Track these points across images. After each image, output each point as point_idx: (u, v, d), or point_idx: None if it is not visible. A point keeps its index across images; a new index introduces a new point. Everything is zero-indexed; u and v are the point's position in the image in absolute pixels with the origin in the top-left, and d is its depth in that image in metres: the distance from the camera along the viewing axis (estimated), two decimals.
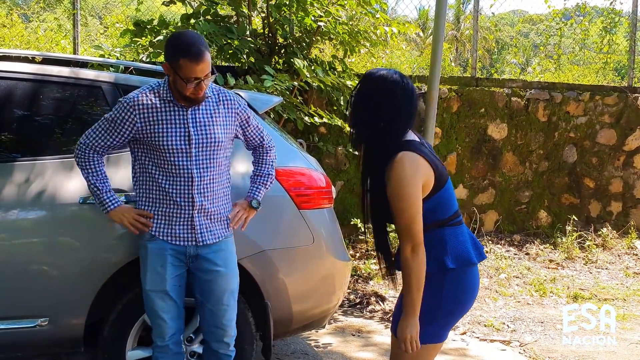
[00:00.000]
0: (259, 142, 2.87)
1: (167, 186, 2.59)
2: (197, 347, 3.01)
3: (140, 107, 2.56)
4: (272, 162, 2.89)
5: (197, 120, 2.60)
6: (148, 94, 2.59)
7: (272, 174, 2.87)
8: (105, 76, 3.13)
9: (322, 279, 3.30)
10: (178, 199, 2.59)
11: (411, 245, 2.08)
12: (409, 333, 2.11)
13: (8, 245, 2.80)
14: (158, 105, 2.58)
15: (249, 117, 2.80)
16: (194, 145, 2.58)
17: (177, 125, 2.57)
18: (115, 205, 2.64)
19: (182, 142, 2.57)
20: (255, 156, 2.90)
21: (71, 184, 2.85)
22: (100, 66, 4.43)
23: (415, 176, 2.08)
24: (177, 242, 2.62)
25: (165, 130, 2.56)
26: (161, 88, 2.61)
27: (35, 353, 2.90)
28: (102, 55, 5.42)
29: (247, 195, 2.81)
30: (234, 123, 2.72)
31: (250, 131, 2.82)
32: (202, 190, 2.60)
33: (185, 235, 2.62)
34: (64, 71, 3.09)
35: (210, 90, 2.68)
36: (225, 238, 2.71)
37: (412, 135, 2.20)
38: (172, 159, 2.56)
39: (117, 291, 2.93)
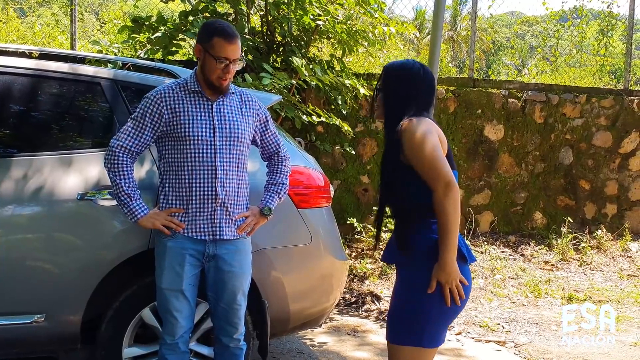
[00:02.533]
0: (275, 149, 2.90)
1: (191, 181, 2.60)
2: (193, 345, 3.01)
3: (167, 98, 2.62)
4: (287, 172, 2.92)
5: (222, 113, 2.67)
6: (174, 88, 2.66)
7: (286, 184, 2.89)
8: (104, 72, 3.11)
9: (320, 278, 3.30)
10: (201, 193, 2.61)
11: (443, 184, 2.09)
12: (455, 276, 2.10)
13: (5, 241, 2.78)
14: (184, 97, 2.64)
15: (267, 121, 2.86)
16: (218, 137, 2.62)
17: (202, 116, 2.63)
18: (146, 212, 2.63)
19: (207, 133, 2.61)
20: (271, 165, 2.92)
21: (69, 180, 2.84)
22: (98, 62, 4.41)
23: (430, 130, 2.15)
24: (197, 236, 2.62)
25: (190, 120, 2.61)
26: (188, 81, 2.68)
27: (31, 350, 2.88)
28: (99, 51, 5.40)
29: (260, 202, 2.82)
30: (254, 124, 2.79)
31: (268, 136, 2.86)
32: (224, 184, 2.63)
33: (206, 228, 2.63)
34: (63, 67, 3.07)
35: (234, 89, 2.76)
36: (241, 238, 2.73)
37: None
38: (196, 150, 2.59)
39: (115, 288, 2.92)
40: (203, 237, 2.64)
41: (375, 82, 2.41)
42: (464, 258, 2.20)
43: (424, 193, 2.15)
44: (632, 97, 7.60)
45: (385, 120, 2.32)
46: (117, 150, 2.62)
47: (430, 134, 2.14)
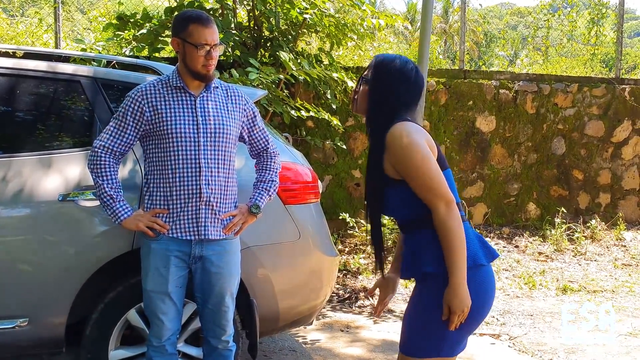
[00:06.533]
0: (263, 146, 2.83)
1: (175, 179, 2.54)
2: (181, 346, 2.96)
3: (148, 96, 2.56)
4: (277, 169, 2.84)
5: (206, 109, 2.60)
6: (156, 85, 2.60)
7: (275, 181, 2.81)
8: (84, 70, 3.04)
9: (309, 275, 3.25)
10: (186, 191, 2.55)
11: (443, 203, 1.95)
12: (465, 303, 1.93)
13: None
14: (166, 94, 2.58)
15: (255, 117, 2.79)
16: (202, 134, 2.56)
17: (185, 113, 2.56)
18: (130, 213, 2.56)
19: (191, 130, 2.55)
20: (259, 162, 2.85)
21: (50, 182, 2.78)
22: (83, 60, 4.35)
23: (419, 138, 2.00)
24: (182, 236, 2.56)
25: (173, 117, 2.54)
26: (170, 77, 2.62)
27: (15, 354, 2.83)
28: (83, 50, 5.33)
29: (249, 200, 2.75)
30: (241, 119, 2.72)
31: (255, 132, 2.79)
32: (209, 182, 2.56)
33: (190, 228, 2.57)
34: (42, 65, 3.00)
35: (219, 83, 2.70)
36: (229, 238, 2.67)
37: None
38: (180, 147, 2.53)
39: (99, 290, 2.87)
40: (188, 237, 2.58)
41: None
42: (480, 262, 2.04)
43: (412, 208, 2.04)
44: (623, 86, 7.57)
45: (369, 118, 2.14)
46: (99, 151, 2.56)
47: (421, 145, 1.98)
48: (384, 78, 2.11)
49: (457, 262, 1.93)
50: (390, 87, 2.10)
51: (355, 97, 2.20)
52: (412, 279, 2.14)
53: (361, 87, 2.17)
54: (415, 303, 2.09)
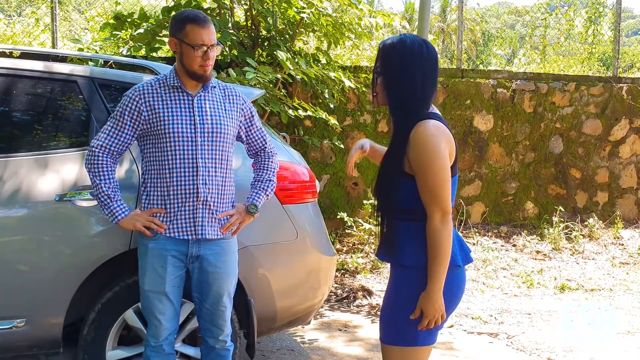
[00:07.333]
0: (261, 145, 2.83)
1: (172, 178, 2.54)
2: (179, 346, 2.96)
3: (145, 95, 2.56)
4: (274, 168, 2.84)
5: (203, 109, 2.60)
6: (153, 84, 2.60)
7: (273, 180, 2.81)
8: (80, 70, 3.04)
9: (307, 274, 3.25)
10: (183, 191, 2.55)
11: (440, 214, 1.99)
12: (439, 310, 2.02)
13: None
14: (163, 93, 2.58)
15: (252, 116, 2.79)
16: (199, 134, 2.56)
17: (182, 112, 2.57)
18: (127, 213, 2.56)
19: (188, 130, 2.55)
20: (257, 162, 2.85)
21: (46, 182, 2.78)
22: (80, 60, 4.34)
23: (441, 142, 2.00)
24: (179, 236, 2.56)
25: (170, 117, 2.54)
26: (168, 76, 2.62)
27: (12, 354, 2.82)
28: (81, 49, 5.32)
29: (246, 200, 2.75)
30: (238, 119, 2.72)
31: (253, 132, 2.79)
32: (206, 181, 2.56)
33: (187, 228, 2.57)
34: (38, 65, 3.00)
35: (216, 83, 2.70)
36: (226, 238, 2.67)
37: (435, 110, 2.12)
38: (177, 147, 2.53)
39: (97, 290, 2.87)
40: (185, 237, 2.58)
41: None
42: (457, 263, 2.10)
43: (411, 201, 2.06)
44: (621, 85, 7.58)
45: (392, 107, 2.11)
46: (97, 150, 2.56)
47: (442, 154, 1.99)
48: (395, 61, 2.07)
49: (439, 270, 2.00)
50: (405, 69, 2.05)
51: (375, 92, 2.16)
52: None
53: (378, 80, 2.13)
54: (392, 297, 2.14)
